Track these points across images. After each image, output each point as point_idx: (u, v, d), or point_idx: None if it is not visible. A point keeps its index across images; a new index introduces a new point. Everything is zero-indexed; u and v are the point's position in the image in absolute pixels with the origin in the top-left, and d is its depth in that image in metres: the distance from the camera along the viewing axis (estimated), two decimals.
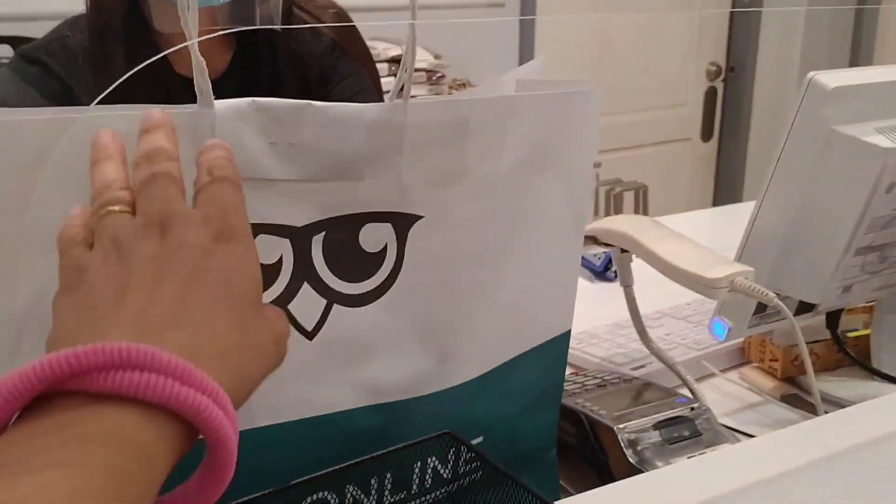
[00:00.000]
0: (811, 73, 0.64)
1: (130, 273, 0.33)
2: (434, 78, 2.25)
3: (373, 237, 0.48)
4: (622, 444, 0.59)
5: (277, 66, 1.02)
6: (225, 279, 0.34)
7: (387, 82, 2.20)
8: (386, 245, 0.49)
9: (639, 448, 0.59)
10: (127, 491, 0.27)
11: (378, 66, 2.15)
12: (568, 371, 0.80)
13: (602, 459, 0.61)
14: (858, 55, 2.93)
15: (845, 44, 2.97)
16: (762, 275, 0.70)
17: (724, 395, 0.80)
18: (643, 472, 0.57)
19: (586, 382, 0.68)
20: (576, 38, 2.73)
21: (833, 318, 0.78)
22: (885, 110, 0.67)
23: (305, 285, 0.48)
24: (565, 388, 0.68)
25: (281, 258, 0.46)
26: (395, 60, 2.18)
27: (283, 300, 0.47)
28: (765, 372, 0.82)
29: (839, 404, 0.77)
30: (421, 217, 0.49)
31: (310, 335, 0.48)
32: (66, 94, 0.94)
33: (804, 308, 0.75)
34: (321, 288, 0.48)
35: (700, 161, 3.10)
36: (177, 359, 0.29)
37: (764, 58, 2.99)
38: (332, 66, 1.07)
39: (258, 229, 0.45)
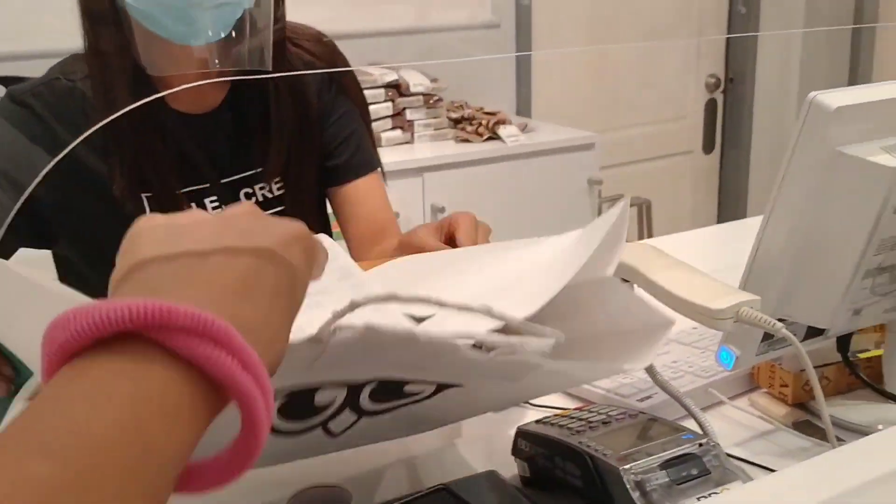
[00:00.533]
0: (812, 94, 0.62)
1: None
2: (432, 101, 2.24)
3: (417, 388, 0.54)
4: (628, 486, 0.57)
5: (274, 101, 1.01)
6: (289, 285, 0.37)
7: (384, 107, 2.19)
8: (423, 390, 0.55)
9: (646, 490, 0.57)
10: (174, 441, 0.31)
11: (374, 91, 2.16)
12: (573, 405, 0.78)
13: (607, 502, 0.59)
14: (858, 64, 2.91)
15: (844, 50, 2.96)
16: (768, 301, 0.67)
17: (733, 423, 0.78)
18: None
19: (591, 419, 0.66)
20: (574, 55, 2.72)
21: (844, 341, 0.75)
22: (891, 128, 0.65)
23: (347, 410, 0.54)
24: (569, 426, 0.66)
25: (335, 399, 0.52)
26: (391, 86, 2.17)
27: (323, 423, 0.54)
28: (775, 398, 0.80)
29: (852, 429, 0.74)
30: (462, 385, 0.55)
31: (335, 436, 0.56)
32: (50, 138, 0.93)
33: (813, 332, 0.73)
34: (358, 410, 0.54)
35: (703, 173, 3.09)
36: (246, 345, 0.32)
37: (763, 67, 2.97)
38: (329, 103, 1.06)
39: (326, 385, 0.51)
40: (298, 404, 0.51)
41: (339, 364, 0.47)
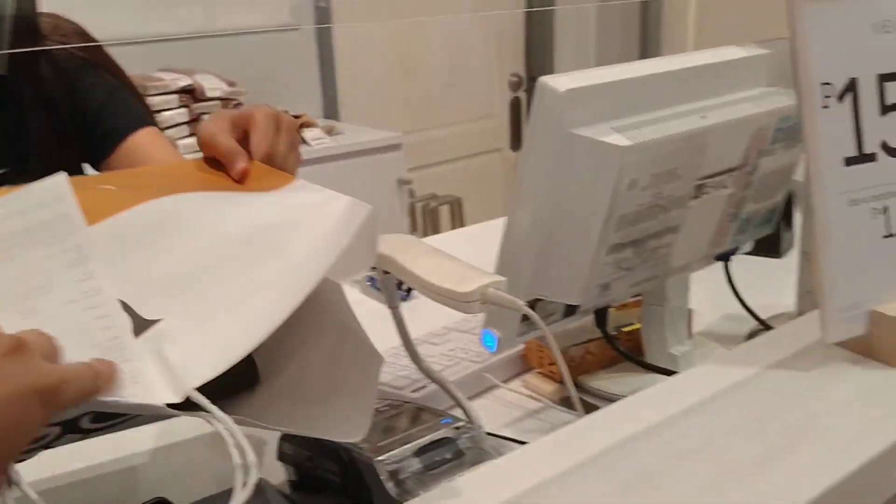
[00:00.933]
0: (542, 78, 0.65)
1: None
2: (231, 106, 2.17)
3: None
4: (382, 477, 0.56)
5: (31, 100, 0.95)
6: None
7: (179, 114, 2.11)
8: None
9: (400, 478, 0.56)
10: None
11: (167, 97, 2.07)
12: None
13: (366, 496, 0.58)
14: (647, 47, 3.10)
15: (634, 38, 3.13)
16: (522, 281, 0.69)
17: (506, 405, 0.80)
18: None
19: None
20: (378, 57, 2.73)
21: (600, 316, 0.79)
22: (620, 109, 0.68)
23: (68, 435, 0.50)
24: None
25: (48, 433, 0.48)
26: (184, 91, 2.09)
27: (44, 447, 0.50)
28: (545, 376, 0.82)
29: (614, 400, 0.77)
30: None
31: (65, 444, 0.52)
32: None
33: (571, 310, 0.76)
34: (81, 431, 0.50)
35: (512, 170, 3.18)
36: None
37: (560, 63, 3.10)
38: (78, 78, 1.00)
39: None
40: None
41: None
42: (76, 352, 0.45)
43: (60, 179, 0.55)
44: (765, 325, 0.88)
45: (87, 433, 0.51)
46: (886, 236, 0.68)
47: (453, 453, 0.59)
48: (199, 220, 0.62)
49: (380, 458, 0.57)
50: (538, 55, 3.10)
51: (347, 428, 0.52)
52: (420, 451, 0.58)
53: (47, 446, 0.51)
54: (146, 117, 1.04)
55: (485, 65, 3.01)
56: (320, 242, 0.57)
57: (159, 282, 0.54)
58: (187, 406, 0.47)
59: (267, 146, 0.70)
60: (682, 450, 0.58)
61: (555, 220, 0.68)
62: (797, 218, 1.12)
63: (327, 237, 0.57)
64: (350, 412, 0.54)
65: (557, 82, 0.64)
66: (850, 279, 0.66)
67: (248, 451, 0.44)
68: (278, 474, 0.67)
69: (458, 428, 0.61)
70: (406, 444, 0.59)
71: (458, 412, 0.68)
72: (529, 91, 3.16)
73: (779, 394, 0.65)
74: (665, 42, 3.08)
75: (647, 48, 3.09)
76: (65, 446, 0.55)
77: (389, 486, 0.56)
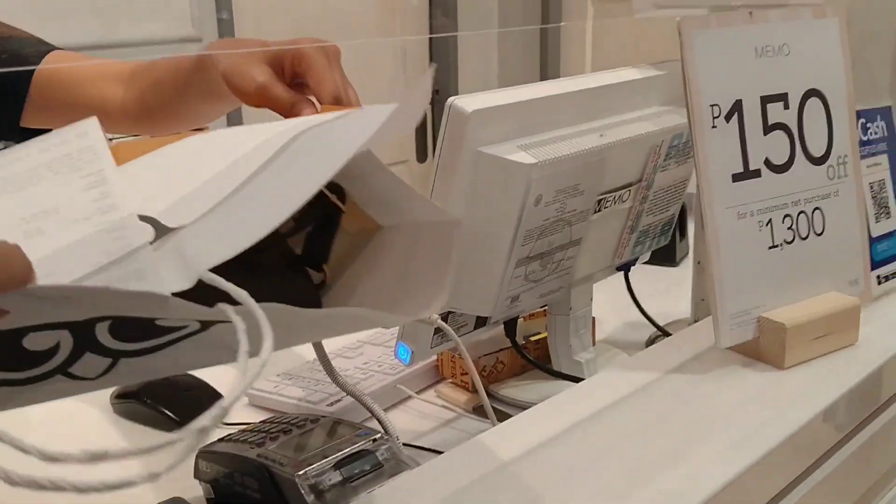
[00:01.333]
0: (451, 99, 0.67)
1: None
2: None
3: (175, 323, 0.44)
4: (303, 491, 0.57)
5: None
6: None
7: None
8: (187, 325, 0.44)
9: (320, 491, 0.57)
10: None
11: None
12: (258, 419, 0.77)
13: None
14: (547, 61, 3.19)
15: (535, 57, 3.22)
16: None
17: (420, 415, 0.81)
18: None
19: (272, 430, 0.66)
20: None
21: (510, 326, 0.81)
22: (525, 128, 0.71)
23: (89, 354, 0.44)
24: (249, 440, 0.65)
25: (58, 343, 0.42)
26: None
27: (60, 368, 0.44)
28: (458, 386, 0.85)
29: (524, 407, 0.80)
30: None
31: (93, 380, 0.46)
32: None
33: (482, 322, 0.78)
34: (105, 351, 0.44)
35: (418, 180, 3.21)
36: None
37: (465, 77, 3.16)
38: None
39: (29, 329, 0.40)
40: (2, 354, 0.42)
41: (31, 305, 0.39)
42: (82, 261, 0.41)
43: (91, 121, 0.50)
44: (663, 332, 0.93)
45: (115, 357, 0.46)
46: (771, 247, 0.73)
47: (372, 465, 0.60)
48: (238, 142, 0.54)
49: (300, 472, 0.58)
50: (443, 70, 3.14)
51: (425, 306, 0.49)
52: (339, 464, 0.59)
53: (66, 373, 0.46)
54: (45, 46, 0.95)
55: (390, 81, 3.04)
56: (363, 122, 0.50)
57: (190, 197, 0.48)
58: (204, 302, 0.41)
59: (332, 87, 0.62)
60: (590, 452, 0.61)
61: (466, 236, 0.70)
62: (690, 228, 1.18)
63: (371, 118, 0.49)
64: (427, 293, 0.50)
65: (465, 102, 0.66)
66: (739, 288, 0.71)
67: (266, 327, 0.40)
68: (195, 492, 0.67)
69: (375, 440, 0.62)
70: (325, 457, 0.60)
71: (374, 424, 0.69)
72: (434, 105, 3.21)
73: (678, 396, 0.69)
74: (564, 62, 3.17)
75: (548, 67, 3.18)
76: None
77: (311, 499, 0.57)
